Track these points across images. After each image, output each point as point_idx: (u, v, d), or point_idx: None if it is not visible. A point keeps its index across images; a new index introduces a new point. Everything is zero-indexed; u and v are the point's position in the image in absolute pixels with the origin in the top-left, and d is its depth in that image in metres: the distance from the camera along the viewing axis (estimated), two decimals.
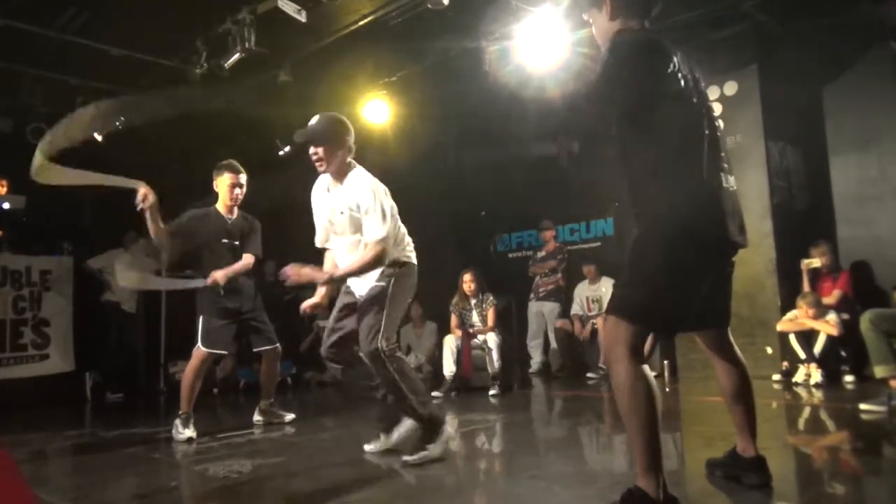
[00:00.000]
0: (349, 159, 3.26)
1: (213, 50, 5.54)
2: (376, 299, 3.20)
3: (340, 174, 3.26)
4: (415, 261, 3.39)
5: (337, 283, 3.37)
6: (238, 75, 5.69)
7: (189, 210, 4.32)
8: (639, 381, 2.04)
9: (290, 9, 4.87)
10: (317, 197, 3.41)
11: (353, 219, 3.19)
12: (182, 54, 5.82)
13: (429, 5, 4.80)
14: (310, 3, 4.96)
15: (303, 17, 4.93)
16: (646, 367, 2.10)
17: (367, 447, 3.43)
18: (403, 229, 3.39)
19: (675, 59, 2.20)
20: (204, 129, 7.12)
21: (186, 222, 4.23)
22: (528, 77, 5.94)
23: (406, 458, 3.12)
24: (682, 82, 2.19)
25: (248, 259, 4.34)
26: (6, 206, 6.74)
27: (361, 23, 5.32)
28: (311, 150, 3.18)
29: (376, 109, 6.90)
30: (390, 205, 3.24)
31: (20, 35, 5.29)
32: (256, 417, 4.57)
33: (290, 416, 4.62)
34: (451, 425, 3.64)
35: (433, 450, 3.15)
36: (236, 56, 5.31)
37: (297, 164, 4.45)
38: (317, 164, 3.22)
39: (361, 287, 3.30)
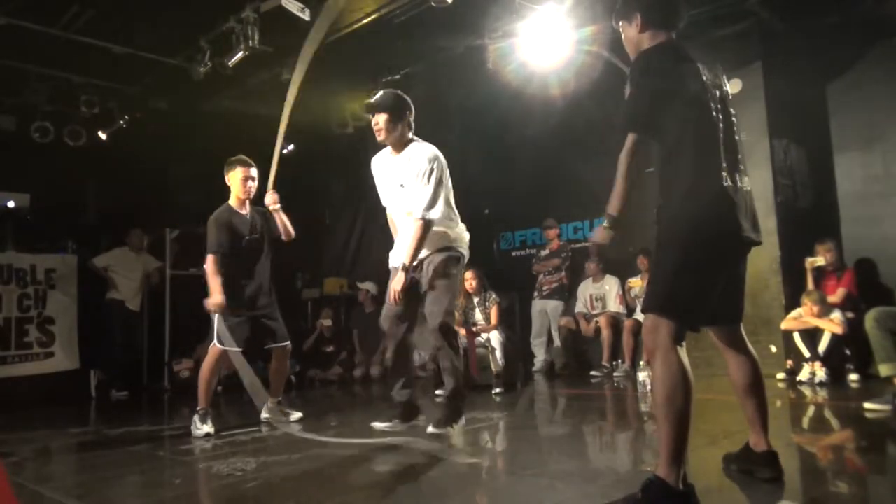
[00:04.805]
0: (410, 134, 3.55)
1: (216, 48, 5.55)
2: (444, 278, 3.55)
3: (399, 146, 3.53)
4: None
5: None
6: (241, 74, 5.70)
7: (215, 213, 4.25)
8: (676, 374, 2.11)
9: (294, 7, 4.88)
10: (377, 166, 3.69)
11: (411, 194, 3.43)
12: (185, 53, 5.83)
13: (433, 3, 4.79)
14: (313, 1, 4.96)
15: (306, 16, 4.93)
16: (685, 360, 2.14)
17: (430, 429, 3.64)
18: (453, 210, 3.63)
19: (695, 65, 2.28)
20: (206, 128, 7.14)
21: (226, 220, 4.19)
22: (532, 75, 5.94)
23: (430, 429, 3.57)
24: (700, 87, 2.27)
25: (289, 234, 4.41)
26: (10, 204, 6.75)
27: (365, 21, 5.32)
28: (374, 120, 3.51)
29: None
30: (449, 186, 3.49)
31: (24, 33, 5.30)
32: (264, 415, 4.54)
33: (297, 415, 4.57)
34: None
35: (455, 430, 3.60)
36: (240, 54, 5.32)
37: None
38: (377, 132, 3.52)
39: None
